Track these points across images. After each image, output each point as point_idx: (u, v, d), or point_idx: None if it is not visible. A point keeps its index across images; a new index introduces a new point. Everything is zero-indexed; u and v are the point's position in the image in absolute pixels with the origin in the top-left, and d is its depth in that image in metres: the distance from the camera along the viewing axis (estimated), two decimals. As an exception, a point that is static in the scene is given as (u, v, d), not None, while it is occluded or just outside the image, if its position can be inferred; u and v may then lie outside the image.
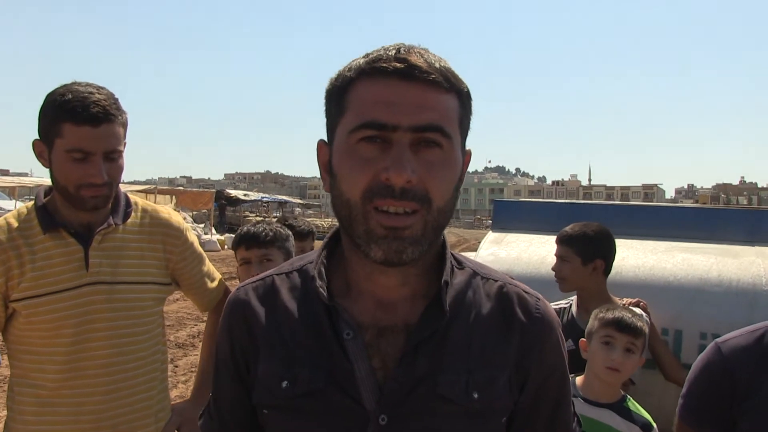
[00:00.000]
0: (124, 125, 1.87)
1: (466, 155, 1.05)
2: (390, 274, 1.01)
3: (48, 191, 1.95)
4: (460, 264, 1.11)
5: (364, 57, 0.99)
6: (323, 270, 1.06)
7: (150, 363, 1.99)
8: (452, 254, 1.10)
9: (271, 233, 2.39)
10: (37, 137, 1.85)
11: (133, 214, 2.00)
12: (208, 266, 2.23)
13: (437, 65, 0.96)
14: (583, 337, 2.29)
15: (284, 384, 1.02)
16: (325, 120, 1.04)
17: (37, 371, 1.84)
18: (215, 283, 2.26)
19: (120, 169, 1.87)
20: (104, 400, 1.87)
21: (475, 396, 1.00)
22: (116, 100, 1.84)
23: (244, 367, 1.09)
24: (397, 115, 0.93)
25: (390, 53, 0.96)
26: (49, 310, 1.82)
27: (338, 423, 0.99)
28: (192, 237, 2.15)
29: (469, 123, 1.03)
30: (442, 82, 0.96)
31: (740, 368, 1.49)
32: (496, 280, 1.10)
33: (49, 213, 1.88)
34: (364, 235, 0.95)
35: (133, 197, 2.04)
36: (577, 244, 2.64)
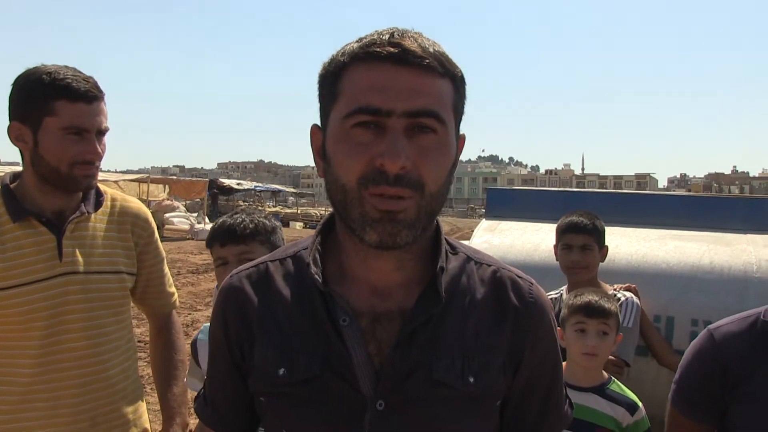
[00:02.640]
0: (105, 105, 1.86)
1: (461, 140, 1.04)
2: (385, 259, 1.02)
3: (13, 178, 1.89)
4: (453, 249, 1.11)
5: (357, 41, 0.98)
6: (318, 256, 1.06)
7: (124, 352, 1.96)
8: (446, 239, 1.11)
9: (251, 225, 1.96)
10: (13, 121, 1.78)
11: (104, 203, 1.97)
12: (168, 272, 2.19)
13: (431, 50, 0.95)
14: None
15: (281, 371, 1.02)
16: (318, 105, 1.04)
17: (8, 366, 1.78)
18: (172, 289, 2.21)
19: (105, 149, 1.85)
20: (81, 392, 1.82)
21: (471, 380, 1.01)
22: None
23: (239, 355, 1.09)
24: (391, 100, 0.92)
25: (383, 38, 0.95)
26: (21, 302, 1.76)
27: (336, 409, 0.99)
28: (157, 235, 2.13)
29: (463, 108, 1.02)
30: (437, 66, 0.95)
31: (732, 355, 1.50)
32: (490, 265, 1.11)
33: (18, 201, 1.82)
34: (359, 218, 0.95)
35: (102, 186, 2.01)
36: (596, 233, 2.68)
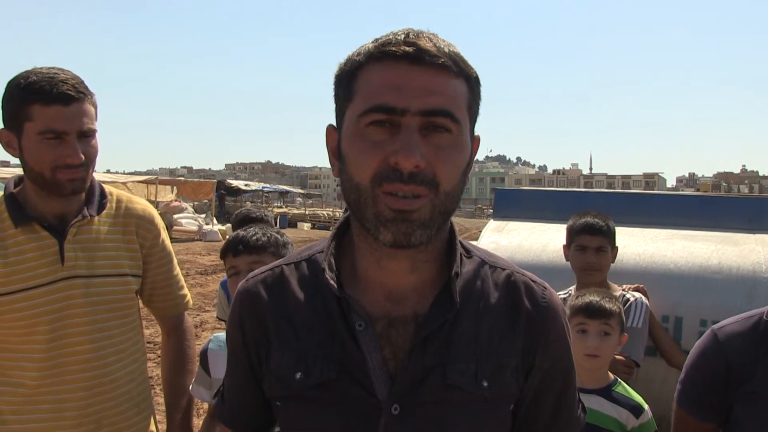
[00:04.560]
0: (95, 106, 1.81)
1: (475, 141, 1.04)
2: (399, 260, 1.02)
3: (18, 182, 1.88)
4: (468, 252, 1.11)
5: (372, 42, 0.98)
6: (333, 261, 1.06)
7: (130, 355, 1.95)
8: (461, 242, 1.11)
9: (264, 237, 2.06)
10: (2, 128, 1.78)
11: (108, 205, 1.94)
12: (179, 272, 2.16)
13: (446, 50, 0.96)
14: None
15: (298, 375, 1.03)
16: (333, 105, 1.04)
17: (14, 369, 1.78)
18: (183, 291, 2.17)
19: (95, 151, 1.82)
20: (87, 395, 1.82)
21: (485, 384, 1.01)
22: (82, 80, 1.79)
23: (255, 359, 1.10)
24: (405, 98, 0.93)
25: (399, 37, 0.95)
26: (24, 307, 1.76)
27: (351, 413, 1.00)
28: (165, 235, 2.10)
29: (477, 108, 1.03)
30: (452, 66, 0.95)
31: (736, 354, 1.51)
32: (504, 269, 1.11)
33: (20, 205, 1.81)
34: (373, 218, 0.95)
35: (108, 188, 1.99)
36: (609, 234, 2.68)
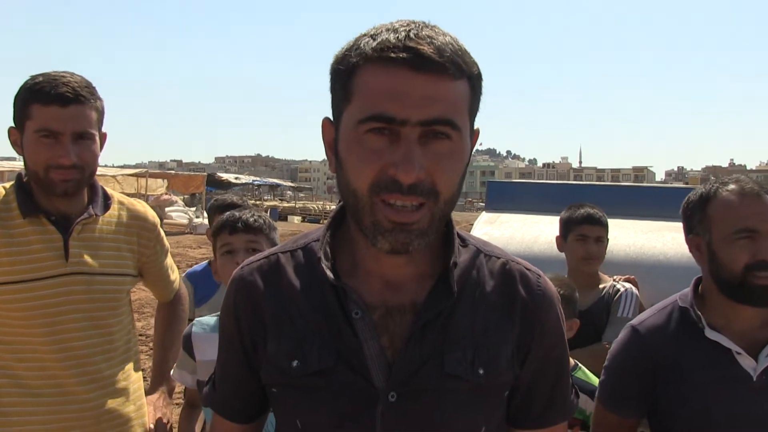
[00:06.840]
0: (99, 111, 1.83)
1: (475, 134, 1.03)
2: (396, 257, 1.01)
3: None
4: (464, 242, 1.12)
5: (371, 37, 0.94)
6: (328, 250, 1.06)
7: (125, 352, 2.00)
8: (456, 231, 1.11)
9: (260, 219, 2.09)
10: (13, 126, 1.84)
11: (111, 206, 1.99)
12: (170, 259, 2.27)
13: (448, 50, 0.92)
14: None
15: (295, 363, 1.03)
16: (329, 96, 1.02)
17: (14, 361, 1.81)
18: (175, 275, 2.30)
19: (93, 155, 1.84)
20: (86, 390, 1.85)
21: (481, 372, 1.02)
22: (90, 84, 1.82)
23: (250, 347, 1.10)
24: (406, 108, 0.90)
25: (399, 36, 0.91)
26: (25, 298, 1.78)
27: (348, 400, 1.01)
28: (161, 232, 2.18)
29: (478, 105, 1.00)
30: (453, 70, 0.92)
31: (659, 348, 1.53)
32: (499, 258, 1.12)
33: (29, 197, 1.85)
34: (371, 227, 0.95)
35: (108, 190, 2.04)
36: (606, 225, 2.71)
